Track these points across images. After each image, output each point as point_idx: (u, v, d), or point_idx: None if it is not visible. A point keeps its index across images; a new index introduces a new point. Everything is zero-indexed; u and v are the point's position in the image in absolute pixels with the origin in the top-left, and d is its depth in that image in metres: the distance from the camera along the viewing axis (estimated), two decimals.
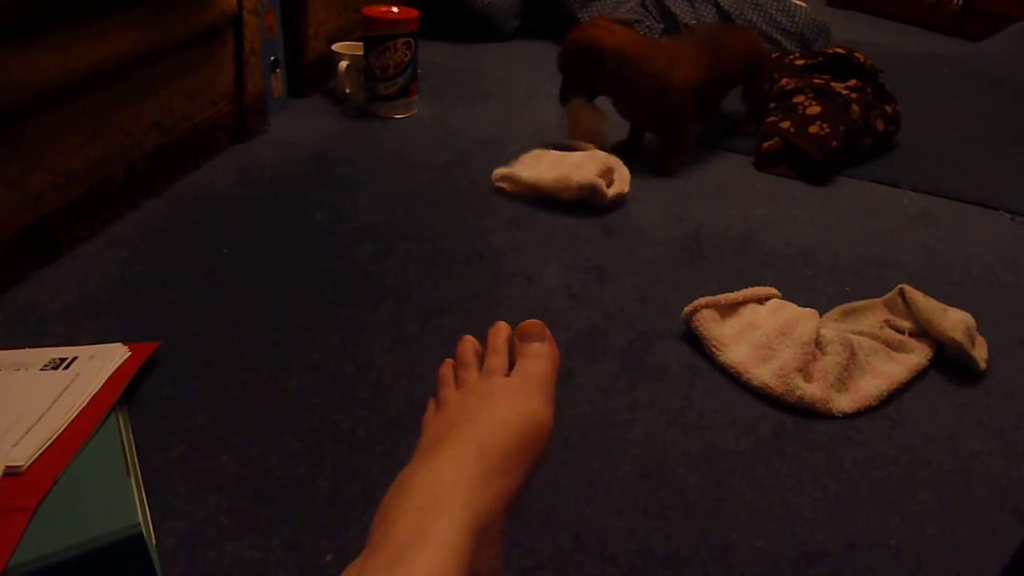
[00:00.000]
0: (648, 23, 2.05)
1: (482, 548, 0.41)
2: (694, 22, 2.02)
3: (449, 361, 0.56)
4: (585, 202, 1.21)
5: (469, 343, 0.56)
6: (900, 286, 0.96)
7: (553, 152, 1.30)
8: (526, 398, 0.48)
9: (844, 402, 0.84)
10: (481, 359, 0.55)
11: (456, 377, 0.54)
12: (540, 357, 0.52)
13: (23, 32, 0.84)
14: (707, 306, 0.92)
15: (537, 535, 0.66)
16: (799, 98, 1.51)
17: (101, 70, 0.96)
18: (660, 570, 0.64)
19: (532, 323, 0.54)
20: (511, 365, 0.53)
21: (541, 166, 1.26)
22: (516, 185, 1.23)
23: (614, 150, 1.37)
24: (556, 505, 0.69)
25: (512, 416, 0.47)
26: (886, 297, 0.98)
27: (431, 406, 0.54)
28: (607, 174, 1.24)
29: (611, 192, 1.21)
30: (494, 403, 0.47)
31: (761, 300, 0.97)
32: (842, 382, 0.85)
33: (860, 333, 0.93)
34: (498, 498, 0.43)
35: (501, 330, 0.55)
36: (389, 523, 0.40)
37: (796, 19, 2.06)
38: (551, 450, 0.73)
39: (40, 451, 0.62)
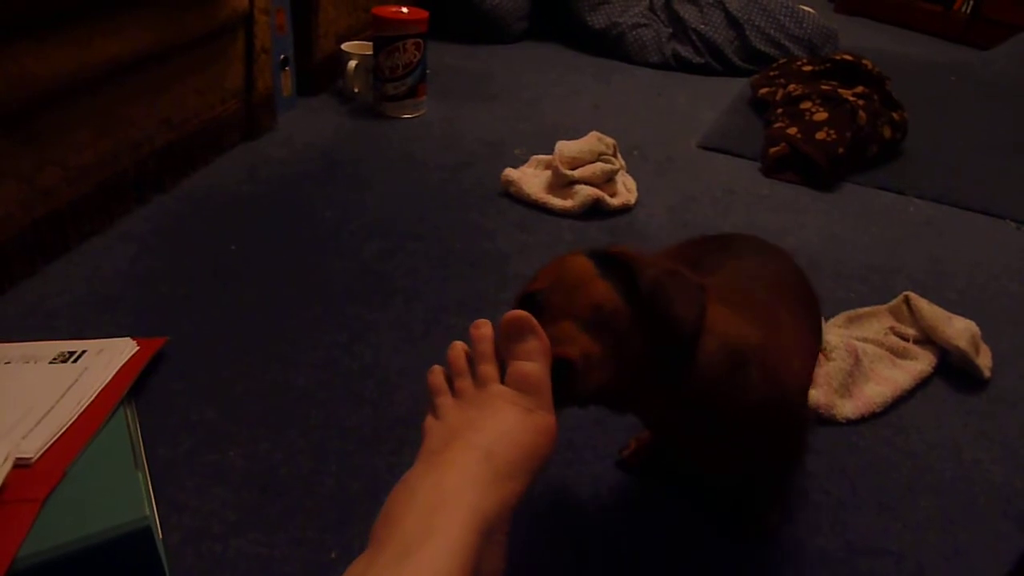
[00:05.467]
0: (656, 27, 2.06)
1: (488, 549, 0.42)
2: (703, 27, 2.02)
3: (438, 368, 0.54)
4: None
5: (460, 349, 0.53)
6: (905, 293, 0.96)
7: (555, 167, 1.23)
8: (527, 407, 0.48)
9: (848, 408, 0.84)
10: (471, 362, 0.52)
11: (451, 387, 0.52)
12: (530, 356, 0.49)
13: (38, 27, 0.84)
14: None
15: (537, 532, 0.66)
16: (806, 104, 1.51)
17: (114, 66, 0.96)
18: (660, 571, 0.64)
19: (516, 318, 0.49)
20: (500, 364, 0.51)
21: (543, 180, 1.26)
22: (521, 193, 1.23)
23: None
24: (558, 503, 0.69)
25: (518, 425, 0.47)
26: (891, 304, 0.98)
27: (429, 413, 0.53)
28: (610, 186, 1.24)
29: (616, 203, 1.22)
30: (498, 413, 0.47)
31: None
32: (846, 388, 0.85)
33: (865, 340, 0.93)
34: (504, 501, 0.43)
35: (485, 336, 0.52)
36: (395, 522, 0.41)
37: (804, 25, 2.06)
38: (554, 450, 0.74)
39: (49, 444, 0.62)
